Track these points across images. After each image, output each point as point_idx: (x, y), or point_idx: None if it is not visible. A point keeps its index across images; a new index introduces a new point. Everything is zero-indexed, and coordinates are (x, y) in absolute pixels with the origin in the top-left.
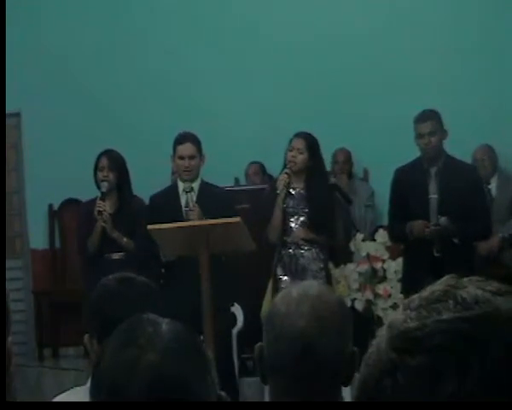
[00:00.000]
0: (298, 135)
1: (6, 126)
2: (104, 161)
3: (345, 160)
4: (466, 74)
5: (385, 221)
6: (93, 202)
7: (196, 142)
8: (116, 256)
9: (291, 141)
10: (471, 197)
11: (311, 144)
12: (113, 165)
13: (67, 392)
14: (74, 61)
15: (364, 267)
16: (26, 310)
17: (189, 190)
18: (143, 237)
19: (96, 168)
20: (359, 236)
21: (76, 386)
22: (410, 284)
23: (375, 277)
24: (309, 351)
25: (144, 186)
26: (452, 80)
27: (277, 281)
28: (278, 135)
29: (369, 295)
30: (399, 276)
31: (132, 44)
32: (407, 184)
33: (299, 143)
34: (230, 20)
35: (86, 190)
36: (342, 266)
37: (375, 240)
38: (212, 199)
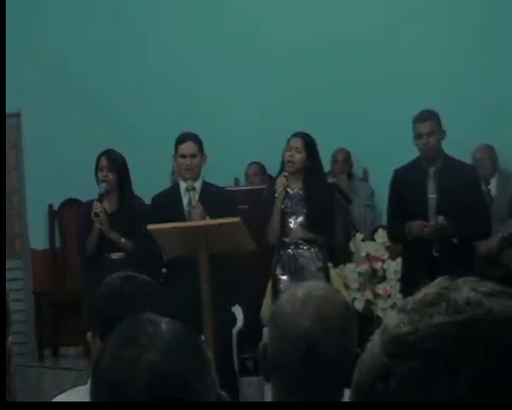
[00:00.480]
0: (295, 135)
1: (6, 126)
2: (104, 162)
3: (344, 159)
4: (466, 74)
5: (384, 221)
6: (93, 202)
7: (198, 141)
8: (115, 256)
9: (289, 141)
10: (470, 197)
11: (309, 144)
12: (113, 165)
13: (67, 392)
14: (74, 61)
15: (364, 267)
16: (26, 310)
17: (191, 189)
18: (143, 236)
19: (97, 168)
20: (359, 236)
21: (76, 386)
22: (409, 283)
23: (374, 277)
24: (313, 351)
25: (144, 186)
26: (452, 80)
27: (277, 281)
28: (278, 135)
29: (368, 295)
30: (399, 276)
31: (132, 44)
32: (406, 184)
33: (297, 143)
34: (230, 20)
35: (86, 190)
36: (342, 265)
37: (374, 240)
38: (214, 199)
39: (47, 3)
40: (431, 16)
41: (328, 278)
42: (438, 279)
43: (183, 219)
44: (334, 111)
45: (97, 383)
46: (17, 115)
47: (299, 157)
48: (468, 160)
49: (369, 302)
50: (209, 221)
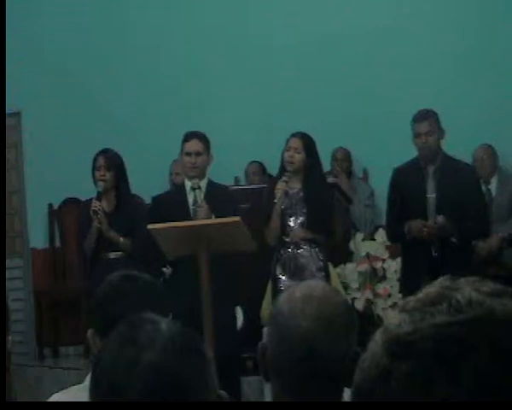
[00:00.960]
0: (294, 135)
1: (6, 126)
2: (101, 161)
3: (343, 157)
4: (466, 74)
5: (384, 221)
6: (89, 201)
7: (204, 140)
8: (114, 255)
9: (288, 141)
10: (469, 196)
11: (308, 144)
12: (110, 164)
13: (63, 391)
14: (74, 61)
15: (364, 267)
16: (26, 309)
17: (196, 187)
18: (142, 236)
19: (94, 168)
20: (359, 235)
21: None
22: (409, 283)
23: (374, 276)
24: (313, 352)
25: (144, 186)
26: (452, 80)
27: (276, 281)
28: (278, 134)
29: (368, 294)
30: (399, 275)
31: (132, 45)
32: (405, 183)
33: (296, 143)
34: (230, 20)
35: (86, 190)
36: (342, 265)
37: (374, 240)
38: (220, 198)
39: (47, 3)
40: (431, 16)
41: (328, 278)
42: (439, 279)
43: (189, 218)
44: (334, 111)
45: (96, 382)
46: (17, 115)
47: (298, 157)
48: (468, 160)
49: (369, 302)
50: (209, 221)
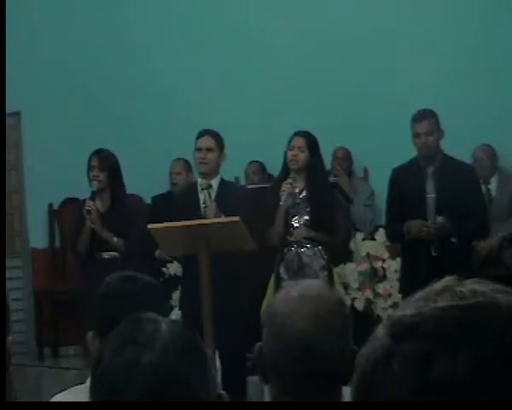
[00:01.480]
0: (297, 134)
1: (6, 126)
2: (94, 161)
3: (343, 156)
4: (466, 74)
5: (384, 221)
6: (82, 201)
7: (216, 136)
8: (108, 256)
9: (291, 140)
10: (468, 196)
11: (311, 143)
12: (104, 164)
13: (65, 391)
14: (74, 61)
15: (364, 267)
16: (26, 309)
17: (205, 187)
18: (136, 236)
19: (89, 168)
20: (359, 235)
21: (75, 385)
22: (408, 283)
23: (375, 276)
24: (309, 351)
25: (144, 186)
26: (452, 80)
27: (279, 280)
28: (278, 134)
29: (368, 294)
30: (399, 275)
31: (132, 45)
32: (404, 183)
33: (300, 142)
34: (230, 21)
35: (86, 190)
36: (342, 265)
37: (374, 239)
38: (232, 197)
39: (47, 4)
40: (431, 16)
41: (331, 277)
42: (445, 278)
43: (200, 217)
44: (335, 110)
45: (97, 382)
46: (17, 114)
47: (302, 156)
48: (468, 160)
49: (369, 302)
50: (209, 221)
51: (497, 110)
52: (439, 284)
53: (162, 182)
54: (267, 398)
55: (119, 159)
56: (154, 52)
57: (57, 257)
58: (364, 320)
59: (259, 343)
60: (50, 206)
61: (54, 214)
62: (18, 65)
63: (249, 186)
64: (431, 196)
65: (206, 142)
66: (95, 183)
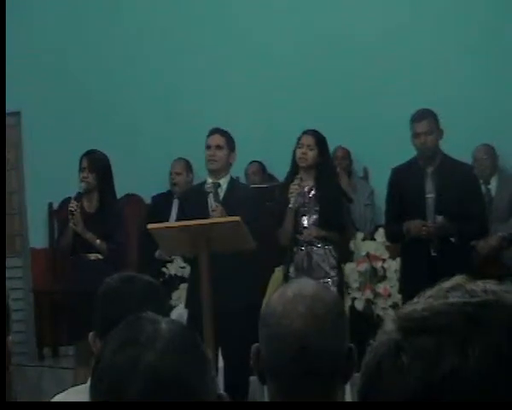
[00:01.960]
0: (307, 132)
1: (6, 126)
2: (85, 163)
3: (343, 156)
4: (466, 74)
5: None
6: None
7: (226, 135)
8: (93, 257)
9: (300, 138)
10: (467, 196)
11: (321, 141)
12: (94, 166)
13: (66, 391)
14: (74, 62)
15: (364, 266)
16: (26, 309)
17: (211, 191)
18: (118, 241)
19: (79, 169)
20: (359, 235)
21: (75, 385)
22: (408, 283)
23: (375, 276)
24: (305, 351)
25: (144, 186)
26: (452, 80)
27: (289, 279)
28: (278, 134)
29: (369, 294)
30: (399, 275)
31: (132, 45)
32: (404, 183)
33: (309, 140)
34: (231, 21)
35: None
36: (342, 265)
37: (374, 239)
38: (240, 197)
39: (47, 3)
40: (431, 16)
41: (341, 277)
42: (454, 277)
43: (208, 216)
44: (334, 110)
45: (97, 382)
46: (17, 114)
47: (311, 154)
48: (468, 160)
49: (369, 302)
50: (209, 221)
51: (497, 110)
52: (448, 283)
53: (162, 182)
54: (266, 399)
55: (118, 159)
56: (155, 52)
57: (57, 257)
58: (364, 320)
59: (257, 344)
60: (50, 206)
61: (54, 214)
62: (18, 65)
63: (258, 186)
64: (430, 195)
65: (216, 140)
66: (83, 183)
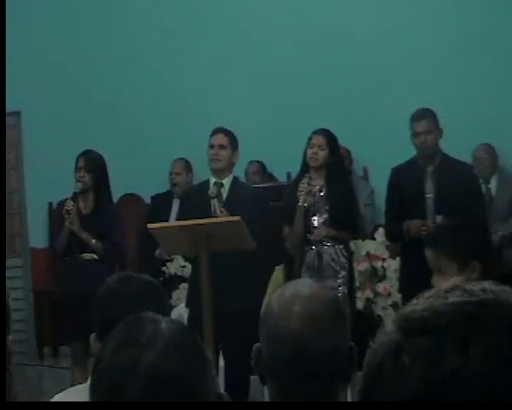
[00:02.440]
0: (317, 132)
1: (6, 126)
2: (81, 162)
3: (343, 155)
4: (466, 74)
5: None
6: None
7: (230, 135)
8: (88, 257)
9: (310, 138)
10: (467, 196)
11: (331, 140)
12: (90, 166)
13: (65, 391)
14: (74, 62)
15: (364, 266)
16: (26, 309)
17: (215, 196)
18: (113, 241)
19: (75, 169)
20: None
21: (75, 385)
22: (408, 283)
23: (375, 275)
24: (302, 351)
25: (144, 186)
26: (452, 80)
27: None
28: (278, 134)
29: (368, 293)
30: (398, 275)
31: (132, 44)
32: (403, 183)
33: (320, 140)
34: (231, 21)
35: None
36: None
37: (374, 239)
38: (242, 197)
39: (47, 3)
40: (431, 17)
41: (352, 276)
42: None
43: (210, 216)
44: (335, 110)
45: (97, 382)
46: (17, 114)
47: (322, 154)
48: (468, 159)
49: (369, 301)
50: (209, 220)
51: (497, 110)
52: (448, 285)
53: (162, 182)
54: (267, 399)
55: (118, 159)
56: (155, 52)
57: (57, 257)
58: (364, 320)
59: (258, 344)
60: (50, 206)
61: (53, 214)
62: (18, 65)
63: (259, 185)
64: (430, 195)
65: (219, 139)
66: (79, 183)
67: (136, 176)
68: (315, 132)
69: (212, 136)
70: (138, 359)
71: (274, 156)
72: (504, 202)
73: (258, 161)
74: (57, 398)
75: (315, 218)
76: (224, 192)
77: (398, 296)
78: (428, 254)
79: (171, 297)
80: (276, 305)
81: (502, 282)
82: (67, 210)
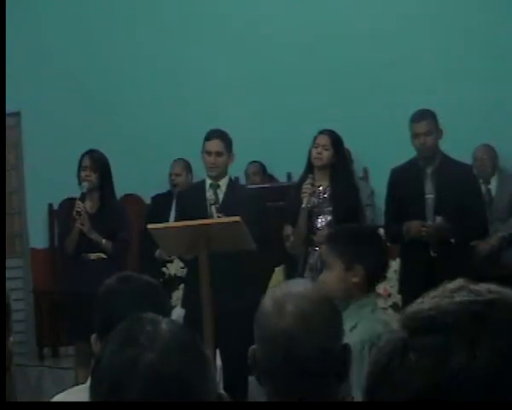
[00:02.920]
0: (322, 132)
1: (6, 126)
2: (87, 161)
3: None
4: (466, 74)
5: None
6: (74, 200)
7: (225, 139)
8: (95, 256)
9: (315, 138)
10: (467, 197)
11: (336, 141)
12: (96, 165)
13: (66, 391)
14: (74, 61)
15: None
16: (26, 309)
17: (213, 203)
18: (123, 239)
19: (80, 168)
20: None
21: (75, 385)
22: (408, 284)
23: None
24: (293, 351)
25: (144, 186)
26: (452, 80)
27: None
28: (278, 134)
29: None
30: (398, 276)
31: (133, 44)
32: (403, 183)
33: (325, 140)
34: (233, 20)
35: None
36: None
37: None
38: (240, 197)
39: (47, 3)
40: (431, 16)
41: None
42: (457, 279)
43: (207, 216)
44: (334, 110)
45: (97, 382)
46: (17, 114)
47: (327, 154)
48: (468, 160)
49: None
50: (208, 221)
51: (497, 110)
52: (451, 284)
53: (162, 182)
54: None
55: (118, 159)
56: (155, 52)
57: (57, 257)
58: None
59: (254, 346)
60: (50, 206)
61: (54, 214)
62: (18, 65)
63: (259, 186)
64: (430, 196)
65: (216, 146)
66: (86, 183)
67: (136, 176)
68: (320, 132)
69: (207, 140)
70: (138, 359)
71: (274, 157)
72: (504, 203)
73: (258, 162)
74: (58, 398)
75: (319, 219)
76: (221, 194)
77: (398, 297)
78: (322, 248)
79: (171, 298)
80: (268, 305)
81: (501, 283)
82: (78, 211)
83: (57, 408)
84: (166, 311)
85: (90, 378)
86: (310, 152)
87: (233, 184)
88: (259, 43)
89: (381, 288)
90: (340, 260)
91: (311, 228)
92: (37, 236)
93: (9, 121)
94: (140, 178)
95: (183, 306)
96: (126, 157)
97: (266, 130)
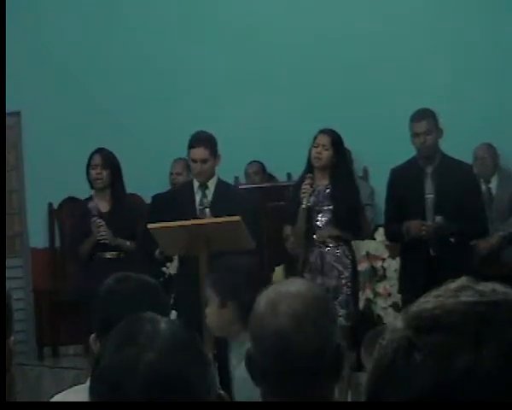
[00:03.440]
0: (322, 132)
1: (6, 126)
2: (97, 159)
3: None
4: (466, 74)
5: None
6: (88, 201)
7: (210, 145)
8: (109, 255)
9: (315, 138)
10: (467, 196)
11: (336, 141)
12: (106, 163)
13: (65, 391)
14: (74, 61)
15: (364, 266)
16: (26, 309)
17: (209, 206)
18: (143, 236)
19: (89, 166)
20: None
21: (75, 385)
22: (408, 283)
23: (374, 275)
24: (286, 350)
25: (144, 186)
26: (453, 80)
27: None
28: (278, 134)
29: (368, 293)
30: (398, 275)
31: (133, 44)
32: (403, 183)
33: (325, 140)
34: (232, 20)
35: (86, 190)
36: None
37: (374, 239)
38: (228, 198)
39: (47, 3)
40: (431, 16)
41: (356, 276)
42: (460, 278)
43: (195, 217)
44: (334, 110)
45: (97, 382)
46: (17, 114)
47: (326, 154)
48: (468, 159)
49: (369, 301)
50: (208, 220)
51: (497, 110)
52: (455, 283)
53: (162, 182)
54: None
55: (118, 159)
56: (155, 52)
57: (57, 257)
58: (364, 320)
59: (249, 348)
60: (50, 206)
61: (53, 214)
62: (18, 65)
63: (245, 186)
64: (430, 195)
65: (201, 154)
66: (98, 181)
67: (137, 176)
68: (320, 131)
69: (191, 148)
70: (137, 359)
71: (274, 157)
72: (504, 202)
73: (258, 162)
74: (57, 398)
75: (319, 218)
76: (210, 194)
77: (398, 296)
78: (205, 286)
79: (170, 298)
80: (262, 305)
81: (501, 282)
82: (99, 225)
83: (57, 408)
84: (165, 311)
85: (89, 378)
86: (310, 151)
87: (221, 183)
88: (259, 43)
89: (380, 287)
90: (215, 296)
91: (312, 227)
92: (37, 236)
93: (9, 121)
94: (140, 178)
95: (174, 307)
96: (126, 157)
97: (266, 130)
